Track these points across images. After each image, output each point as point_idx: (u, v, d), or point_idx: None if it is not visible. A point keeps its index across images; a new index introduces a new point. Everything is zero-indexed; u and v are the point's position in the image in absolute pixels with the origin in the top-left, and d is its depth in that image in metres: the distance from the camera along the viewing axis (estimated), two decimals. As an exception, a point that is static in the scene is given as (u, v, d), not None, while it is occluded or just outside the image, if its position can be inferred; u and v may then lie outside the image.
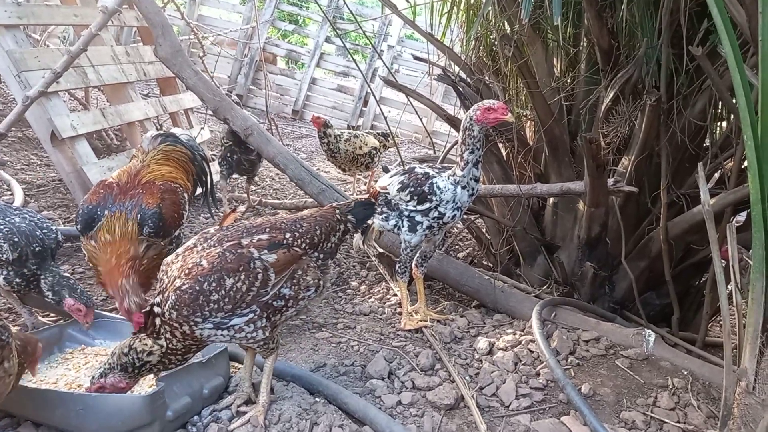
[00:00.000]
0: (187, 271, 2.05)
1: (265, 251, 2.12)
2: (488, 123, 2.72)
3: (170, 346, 2.10)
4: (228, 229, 2.25)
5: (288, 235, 2.19)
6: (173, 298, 2.03)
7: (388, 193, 3.04)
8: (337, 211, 2.37)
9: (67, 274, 2.66)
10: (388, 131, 5.70)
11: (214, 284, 2.02)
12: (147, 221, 2.76)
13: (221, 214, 3.72)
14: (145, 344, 2.09)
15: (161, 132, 3.40)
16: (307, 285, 2.20)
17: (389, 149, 6.26)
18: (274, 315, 2.15)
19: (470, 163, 2.80)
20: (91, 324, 2.62)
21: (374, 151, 5.66)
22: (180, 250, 2.19)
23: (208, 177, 3.48)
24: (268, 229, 2.19)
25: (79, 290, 2.57)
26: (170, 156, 3.18)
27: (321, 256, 2.27)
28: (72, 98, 6.59)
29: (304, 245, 2.21)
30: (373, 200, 2.53)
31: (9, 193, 4.34)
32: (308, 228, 2.24)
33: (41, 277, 2.61)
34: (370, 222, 2.50)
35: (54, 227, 2.74)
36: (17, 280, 2.60)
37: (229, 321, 2.07)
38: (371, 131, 6.15)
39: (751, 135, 1.99)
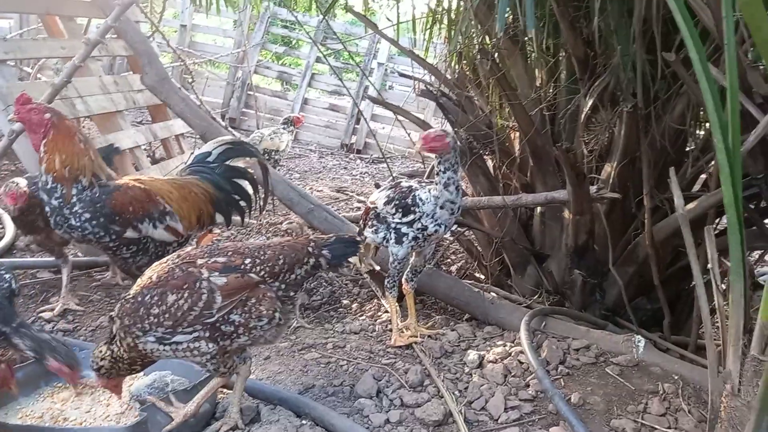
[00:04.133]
0: (139, 282, 2.14)
1: (216, 273, 2.12)
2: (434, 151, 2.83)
3: (117, 353, 2.16)
4: (201, 249, 2.29)
5: (248, 260, 2.18)
6: (118, 306, 2.13)
7: (377, 207, 3.11)
8: (312, 244, 2.31)
9: (43, 334, 2.40)
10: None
11: (156, 298, 2.07)
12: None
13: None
14: (101, 350, 2.19)
15: (189, 164, 3.30)
16: (259, 314, 2.16)
17: None
18: (222, 339, 2.14)
19: (440, 184, 2.89)
20: (79, 383, 2.45)
21: None
22: (155, 264, 2.26)
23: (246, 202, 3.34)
24: (230, 253, 2.20)
25: (59, 350, 2.34)
26: (185, 185, 3.12)
27: (282, 286, 2.23)
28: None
29: (263, 273, 2.17)
30: (357, 238, 2.46)
31: (0, 226, 4.36)
32: (271, 256, 2.21)
33: (12, 337, 2.33)
34: (353, 260, 2.43)
35: (7, 275, 2.48)
36: None
37: (172, 337, 2.09)
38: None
39: (721, 138, 2.00)
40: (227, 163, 3.30)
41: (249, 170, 3.39)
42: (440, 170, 2.87)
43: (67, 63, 5.07)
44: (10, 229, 4.19)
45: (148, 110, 6.63)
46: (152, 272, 2.17)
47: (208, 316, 2.09)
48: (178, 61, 8.00)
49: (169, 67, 7.89)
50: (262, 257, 2.20)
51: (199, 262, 2.15)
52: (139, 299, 2.08)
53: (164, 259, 2.26)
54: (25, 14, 7.74)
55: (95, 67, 5.43)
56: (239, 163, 3.39)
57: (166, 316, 2.06)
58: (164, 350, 2.13)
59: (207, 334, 2.11)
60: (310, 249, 2.29)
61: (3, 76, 4.29)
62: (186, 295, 2.07)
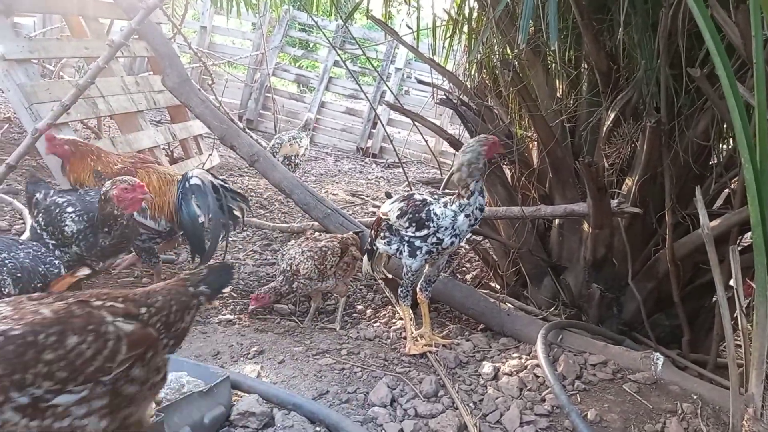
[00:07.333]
0: (18, 316, 1.50)
1: (121, 319, 1.66)
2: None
3: None
4: (83, 293, 1.81)
5: (143, 310, 1.76)
6: None
7: (389, 219, 3.10)
8: (188, 282, 1.94)
9: None
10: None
11: (52, 338, 1.48)
12: None
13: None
14: None
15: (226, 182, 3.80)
16: (156, 366, 1.74)
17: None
18: (121, 408, 1.62)
19: (476, 192, 2.86)
20: None
21: None
22: (29, 298, 1.66)
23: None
24: (120, 299, 1.75)
25: None
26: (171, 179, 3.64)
27: (170, 343, 1.83)
28: (86, 127, 6.72)
29: (159, 325, 1.78)
30: (230, 264, 2.13)
31: (21, 222, 4.41)
32: (163, 304, 1.82)
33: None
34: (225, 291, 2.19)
35: (57, 262, 2.74)
36: None
37: (54, 397, 1.48)
38: None
39: (748, 157, 1.98)
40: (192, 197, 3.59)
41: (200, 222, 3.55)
42: (477, 179, 2.85)
43: (89, 62, 5.15)
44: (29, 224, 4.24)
45: (167, 111, 6.69)
46: (38, 306, 1.57)
47: (108, 370, 1.56)
48: (197, 62, 8.07)
49: (188, 68, 7.96)
50: (155, 305, 1.80)
51: (96, 303, 1.67)
52: (30, 338, 1.45)
53: (39, 295, 1.70)
54: (48, 14, 7.85)
55: (117, 68, 5.49)
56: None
57: (62, 363, 1.47)
58: (24, 425, 1.45)
59: (101, 403, 1.55)
60: (191, 289, 1.93)
61: (27, 74, 4.35)
62: (91, 339, 1.54)
